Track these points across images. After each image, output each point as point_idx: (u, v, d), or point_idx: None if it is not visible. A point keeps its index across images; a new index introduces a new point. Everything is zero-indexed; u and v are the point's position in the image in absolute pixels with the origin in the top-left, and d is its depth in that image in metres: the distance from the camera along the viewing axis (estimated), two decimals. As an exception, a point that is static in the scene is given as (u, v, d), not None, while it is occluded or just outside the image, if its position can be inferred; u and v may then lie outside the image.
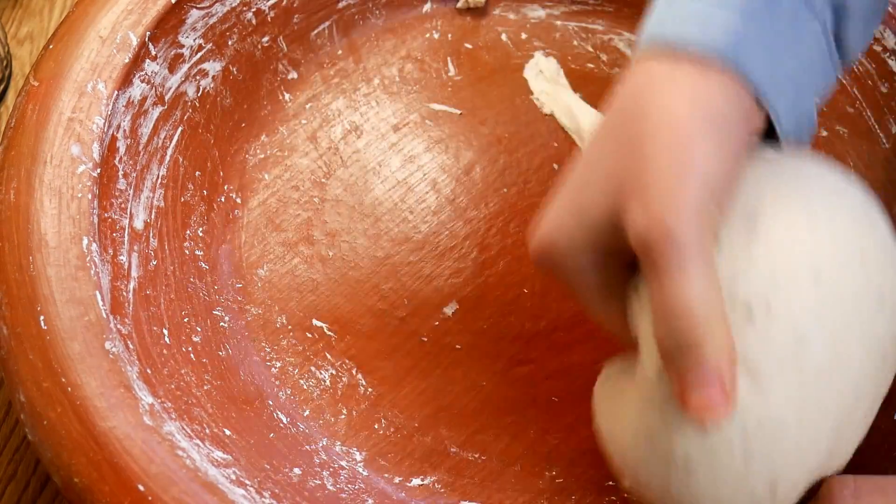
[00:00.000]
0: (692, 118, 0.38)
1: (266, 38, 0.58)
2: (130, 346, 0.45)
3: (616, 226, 0.38)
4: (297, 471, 0.46)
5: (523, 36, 0.64)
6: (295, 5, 0.59)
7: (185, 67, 0.54)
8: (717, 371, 0.37)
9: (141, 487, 0.40)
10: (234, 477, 0.43)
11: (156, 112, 0.53)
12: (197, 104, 0.55)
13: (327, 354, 0.52)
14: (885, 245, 0.42)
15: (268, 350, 0.52)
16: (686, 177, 0.37)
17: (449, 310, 0.54)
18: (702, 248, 0.37)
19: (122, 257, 0.48)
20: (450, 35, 0.63)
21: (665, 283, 0.36)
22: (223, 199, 0.56)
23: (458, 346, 0.53)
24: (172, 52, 0.53)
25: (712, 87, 0.39)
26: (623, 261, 0.40)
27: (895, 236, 0.43)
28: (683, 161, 0.37)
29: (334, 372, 0.52)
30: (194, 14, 0.54)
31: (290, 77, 0.60)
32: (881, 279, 0.41)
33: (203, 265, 0.53)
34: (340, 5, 0.61)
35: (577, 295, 0.43)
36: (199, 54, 0.55)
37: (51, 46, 0.50)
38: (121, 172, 0.50)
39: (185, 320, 0.50)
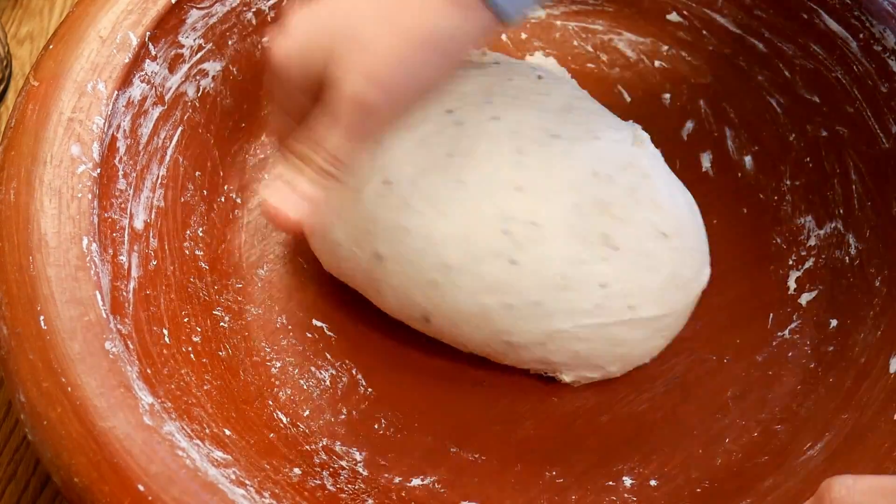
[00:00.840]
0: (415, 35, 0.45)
1: (266, 38, 0.58)
2: (130, 346, 0.45)
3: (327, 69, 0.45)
4: (297, 471, 0.46)
5: (523, 36, 0.64)
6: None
7: (185, 67, 0.54)
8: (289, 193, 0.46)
9: (141, 487, 0.40)
10: (234, 477, 0.43)
11: (156, 112, 0.53)
12: (197, 104, 0.55)
13: (327, 354, 0.52)
14: None
15: (268, 350, 0.52)
16: (365, 67, 0.45)
17: (449, 310, 0.54)
18: (346, 117, 0.45)
19: (122, 257, 0.48)
20: (450, 35, 0.63)
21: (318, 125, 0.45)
22: (223, 199, 0.56)
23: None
24: (172, 52, 0.53)
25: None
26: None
27: None
28: (365, 56, 0.44)
29: (334, 372, 0.52)
30: (194, 14, 0.54)
31: (290, 77, 0.60)
32: None
33: (203, 265, 0.53)
34: (340, 5, 0.61)
35: (280, 106, 0.49)
36: (199, 54, 0.55)
37: (51, 46, 0.50)
38: (121, 172, 0.50)
39: (185, 320, 0.50)
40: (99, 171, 0.47)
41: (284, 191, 0.46)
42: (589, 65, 0.63)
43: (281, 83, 0.47)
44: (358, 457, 0.49)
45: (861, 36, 0.58)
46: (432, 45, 0.45)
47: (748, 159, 0.60)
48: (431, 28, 0.45)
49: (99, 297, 0.44)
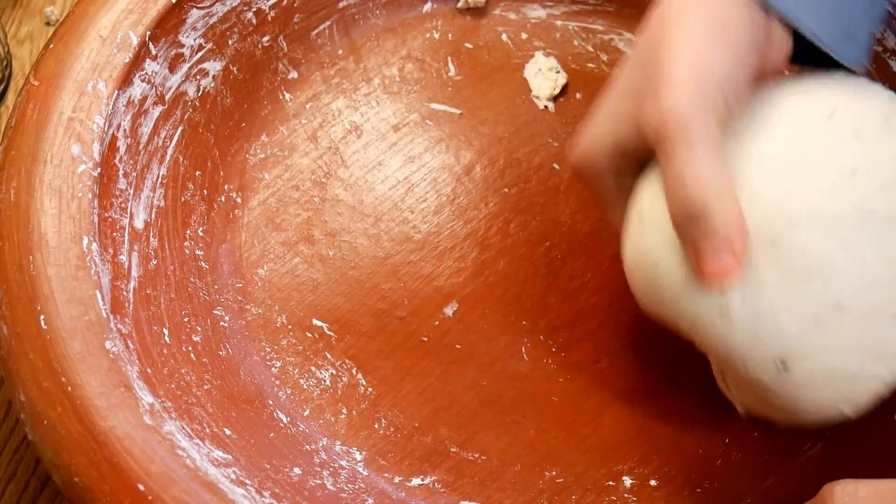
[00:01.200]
0: (698, 23, 0.42)
1: (266, 38, 0.58)
2: (130, 346, 0.45)
3: (638, 129, 0.43)
4: (297, 470, 0.46)
5: (523, 36, 0.64)
6: (295, 5, 0.59)
7: (186, 67, 0.54)
8: (727, 239, 0.40)
9: (141, 487, 0.40)
10: (234, 476, 0.43)
11: (156, 112, 0.53)
12: (197, 104, 0.55)
13: (327, 354, 0.52)
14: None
15: (268, 350, 0.52)
16: (691, 73, 0.41)
17: (449, 310, 0.54)
18: (709, 131, 0.41)
19: (122, 257, 0.48)
20: (450, 35, 0.63)
21: (674, 161, 0.41)
22: (223, 199, 0.56)
23: (458, 346, 0.53)
24: (173, 52, 0.53)
25: (720, 4, 0.43)
26: (640, 165, 0.46)
27: None
28: (690, 62, 0.42)
29: (334, 372, 0.52)
30: (195, 14, 0.54)
31: (290, 77, 0.60)
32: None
33: (203, 265, 0.53)
34: (341, 5, 0.61)
35: (601, 204, 0.49)
36: (200, 54, 0.55)
37: (51, 46, 0.50)
38: (121, 172, 0.50)
39: (186, 320, 0.50)
40: (99, 170, 0.47)
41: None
42: (589, 65, 0.63)
43: (598, 175, 0.47)
44: (358, 457, 0.49)
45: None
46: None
47: (748, 159, 0.60)
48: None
49: (99, 296, 0.44)
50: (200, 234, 0.54)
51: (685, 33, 0.42)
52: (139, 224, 0.50)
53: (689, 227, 0.41)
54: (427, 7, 0.64)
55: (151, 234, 0.51)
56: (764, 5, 0.43)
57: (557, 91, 0.62)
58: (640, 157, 0.45)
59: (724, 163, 0.41)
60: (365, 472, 0.49)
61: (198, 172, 0.55)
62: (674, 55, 0.42)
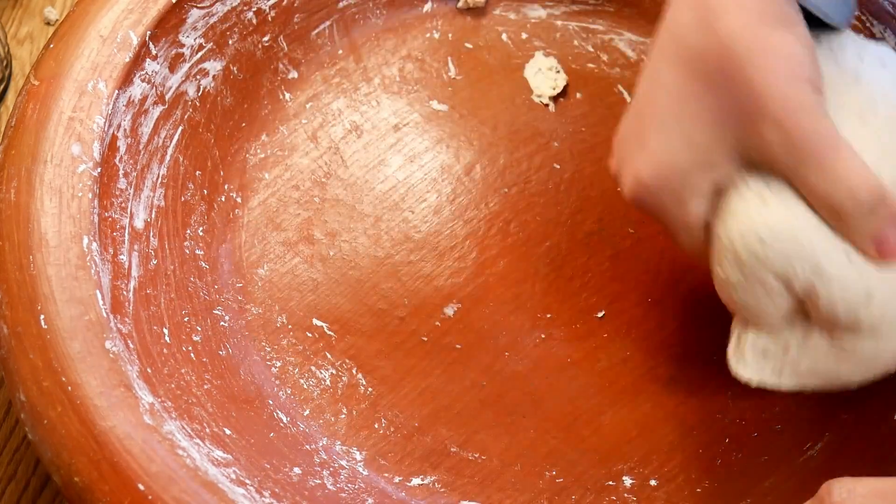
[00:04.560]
0: (760, 27, 0.42)
1: (267, 38, 0.58)
2: (130, 346, 0.45)
3: (731, 158, 0.43)
4: (296, 470, 0.46)
5: (523, 36, 0.64)
6: (295, 5, 0.59)
7: (186, 67, 0.54)
8: None
9: (141, 487, 0.40)
10: (234, 476, 0.43)
11: (156, 111, 0.53)
12: (197, 103, 0.55)
13: (327, 354, 0.52)
14: None
15: (268, 349, 0.52)
16: (790, 81, 0.41)
17: (449, 310, 0.54)
18: (836, 133, 0.42)
19: (122, 256, 0.48)
20: (450, 35, 0.63)
21: (827, 168, 0.41)
22: (223, 199, 0.56)
23: (458, 346, 0.53)
24: (173, 52, 0.53)
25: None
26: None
27: None
28: (778, 69, 0.41)
29: (334, 371, 0.52)
30: (195, 13, 0.54)
31: (290, 76, 0.60)
32: None
33: (203, 264, 0.53)
34: (341, 5, 0.61)
35: (674, 228, 0.47)
36: (200, 54, 0.55)
37: (51, 46, 0.50)
38: (121, 172, 0.50)
39: (186, 319, 0.50)
40: (99, 170, 0.47)
41: None
42: (589, 65, 0.63)
43: (679, 203, 0.45)
44: (358, 456, 0.49)
45: (861, 36, 0.58)
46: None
47: (748, 159, 0.60)
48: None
49: (99, 296, 0.44)
50: (200, 233, 0.54)
51: (755, 37, 0.42)
52: (139, 224, 0.50)
53: (868, 219, 0.42)
54: (427, 7, 0.64)
55: (151, 233, 0.51)
56: None
57: (558, 91, 0.62)
58: (721, 185, 0.45)
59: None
60: (365, 472, 0.49)
61: (198, 172, 0.55)
62: (760, 66, 0.42)
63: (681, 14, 0.45)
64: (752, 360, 0.47)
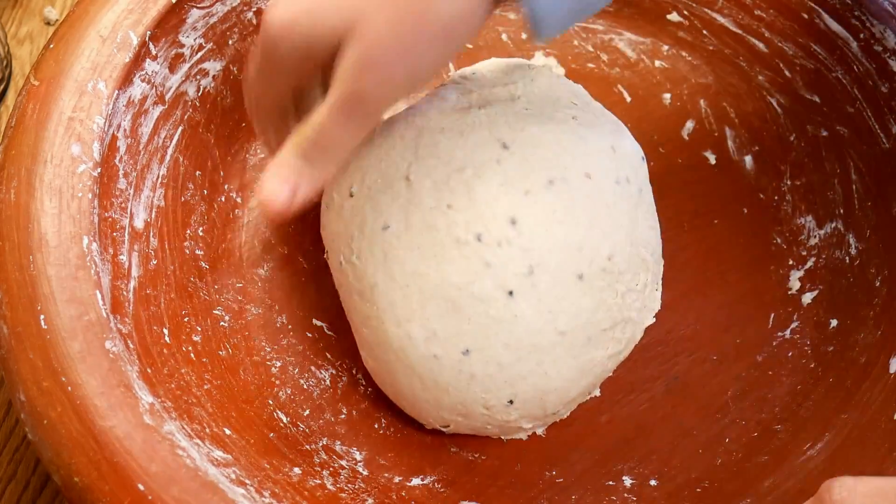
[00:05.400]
0: (426, 23, 0.43)
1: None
2: (130, 346, 0.45)
3: (328, 43, 0.43)
4: (296, 470, 0.46)
5: (524, 36, 0.64)
6: None
7: (186, 67, 0.54)
8: (288, 179, 0.44)
9: (141, 487, 0.40)
10: (233, 476, 0.43)
11: (156, 111, 0.53)
12: (197, 104, 0.55)
13: (327, 354, 0.52)
14: None
15: (268, 349, 0.52)
16: (382, 55, 0.43)
17: (449, 309, 0.54)
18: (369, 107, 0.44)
19: (122, 257, 0.48)
20: (450, 35, 0.63)
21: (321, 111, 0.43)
22: (223, 199, 0.56)
23: (458, 346, 0.53)
24: (173, 52, 0.53)
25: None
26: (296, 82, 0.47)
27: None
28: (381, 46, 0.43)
29: (334, 371, 0.52)
30: (195, 13, 0.54)
31: (290, 77, 0.60)
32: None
33: (203, 265, 0.53)
34: (341, 5, 0.61)
35: (262, 90, 0.47)
36: (200, 54, 0.55)
37: (51, 46, 0.50)
38: (121, 172, 0.50)
39: (186, 320, 0.50)
40: (99, 170, 0.47)
41: (269, 177, 0.45)
42: (589, 65, 0.63)
43: (277, 54, 0.45)
44: (358, 456, 0.49)
45: (861, 36, 0.58)
46: (435, 31, 0.44)
47: (748, 159, 0.60)
48: (436, 11, 0.43)
49: (99, 296, 0.44)
50: (200, 234, 0.54)
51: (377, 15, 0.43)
52: (139, 224, 0.50)
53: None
54: (427, 7, 0.64)
55: (151, 233, 0.51)
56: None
57: None
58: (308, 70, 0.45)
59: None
60: (365, 472, 0.49)
61: (198, 172, 0.55)
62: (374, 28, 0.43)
63: None
64: None
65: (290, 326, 0.53)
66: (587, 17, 0.49)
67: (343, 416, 0.51)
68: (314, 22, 0.43)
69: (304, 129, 0.44)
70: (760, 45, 0.61)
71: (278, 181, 0.44)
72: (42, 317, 0.43)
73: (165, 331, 0.48)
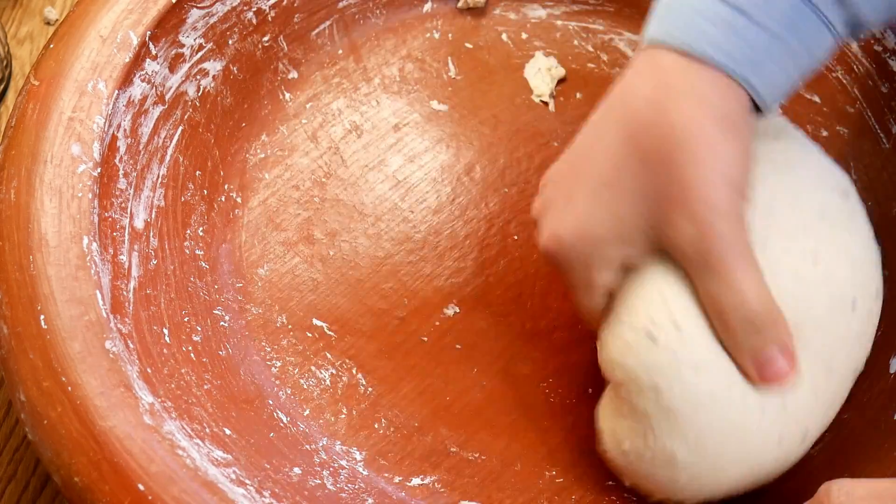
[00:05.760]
0: (712, 126, 0.42)
1: (267, 38, 0.58)
2: (130, 346, 0.45)
3: (647, 238, 0.43)
4: (296, 470, 0.46)
5: (524, 36, 0.64)
6: (295, 5, 0.59)
7: (186, 67, 0.54)
8: (787, 345, 0.43)
9: (141, 487, 0.40)
10: (234, 476, 0.43)
11: (156, 111, 0.53)
12: (197, 104, 0.55)
13: (327, 354, 0.52)
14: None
15: (268, 349, 0.52)
16: (720, 183, 0.42)
17: (449, 310, 0.54)
18: (747, 244, 0.42)
19: (122, 256, 0.48)
20: (450, 35, 0.63)
21: (727, 279, 0.42)
22: (223, 199, 0.56)
23: (458, 346, 0.53)
24: (173, 52, 0.53)
25: (722, 93, 0.42)
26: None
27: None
28: (714, 169, 0.41)
29: (334, 371, 0.52)
30: (195, 13, 0.54)
31: (290, 76, 0.60)
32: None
33: (203, 265, 0.53)
34: (341, 5, 0.61)
35: (576, 288, 0.47)
36: (200, 54, 0.55)
37: (51, 46, 0.50)
38: (121, 172, 0.50)
39: (186, 320, 0.50)
40: (99, 170, 0.47)
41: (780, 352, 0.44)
42: (589, 65, 0.63)
43: (586, 267, 0.46)
44: (358, 456, 0.49)
45: (861, 36, 0.58)
46: (734, 131, 0.43)
47: (748, 159, 0.60)
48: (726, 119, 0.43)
49: (99, 296, 0.44)
50: (200, 234, 0.54)
51: (702, 132, 0.42)
52: (139, 224, 0.50)
53: (753, 337, 0.43)
54: (427, 7, 0.64)
55: (151, 233, 0.51)
56: (754, 94, 0.43)
57: (557, 79, 0.62)
58: (632, 261, 0.45)
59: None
60: (365, 472, 0.49)
61: (198, 172, 0.55)
62: (689, 160, 0.42)
63: (640, 83, 0.45)
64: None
65: (290, 326, 0.53)
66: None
67: (343, 416, 0.51)
68: (617, 221, 0.44)
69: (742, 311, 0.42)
70: (760, 45, 0.61)
71: (785, 357, 0.44)
72: (42, 317, 0.43)
73: (165, 331, 0.48)
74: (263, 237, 0.55)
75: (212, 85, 0.56)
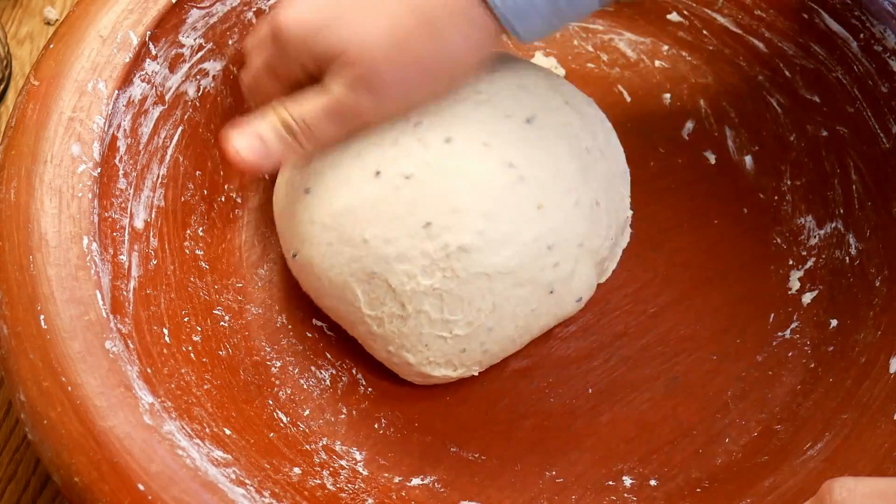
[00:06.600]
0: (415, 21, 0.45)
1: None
2: (130, 346, 0.45)
3: (335, 53, 0.46)
4: (296, 470, 0.46)
5: (523, 36, 0.64)
6: None
7: (186, 67, 0.54)
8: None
9: (141, 487, 0.40)
10: (233, 476, 0.43)
11: (156, 111, 0.53)
12: (197, 103, 0.55)
13: (327, 354, 0.52)
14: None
15: (268, 349, 0.52)
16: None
17: (449, 309, 0.54)
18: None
19: (122, 257, 0.48)
20: (450, 35, 0.63)
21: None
22: (223, 199, 0.56)
23: (458, 346, 0.53)
24: (173, 52, 0.53)
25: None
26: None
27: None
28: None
29: (334, 371, 0.52)
30: (195, 14, 0.54)
31: (290, 77, 0.60)
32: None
33: (203, 265, 0.53)
34: (341, 5, 0.61)
35: (271, 68, 0.49)
36: (200, 54, 0.55)
37: (51, 46, 0.50)
38: (121, 172, 0.50)
39: (186, 320, 0.50)
40: (99, 170, 0.47)
41: (248, 133, 0.48)
42: (589, 65, 0.63)
43: (284, 48, 0.47)
44: (358, 456, 0.49)
45: (861, 36, 0.58)
46: (439, 70, 0.47)
47: (748, 159, 0.60)
48: (445, 50, 0.46)
49: (99, 296, 0.44)
50: (201, 233, 0.54)
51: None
52: (139, 224, 0.50)
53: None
54: (427, 7, 0.64)
55: (151, 234, 0.51)
56: (513, 33, 0.46)
57: None
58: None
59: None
60: (365, 472, 0.49)
61: (198, 172, 0.55)
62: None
63: None
64: None
65: (290, 326, 0.53)
66: (568, 23, 0.52)
67: (343, 416, 0.51)
68: (317, 25, 0.46)
69: (293, 108, 0.47)
70: (760, 45, 0.61)
71: (258, 141, 0.47)
72: (42, 317, 0.43)
73: (165, 331, 0.48)
74: (263, 237, 0.55)
75: (212, 85, 0.56)
